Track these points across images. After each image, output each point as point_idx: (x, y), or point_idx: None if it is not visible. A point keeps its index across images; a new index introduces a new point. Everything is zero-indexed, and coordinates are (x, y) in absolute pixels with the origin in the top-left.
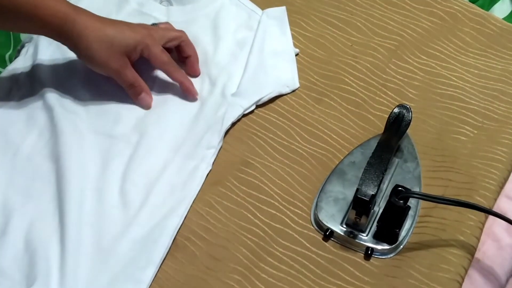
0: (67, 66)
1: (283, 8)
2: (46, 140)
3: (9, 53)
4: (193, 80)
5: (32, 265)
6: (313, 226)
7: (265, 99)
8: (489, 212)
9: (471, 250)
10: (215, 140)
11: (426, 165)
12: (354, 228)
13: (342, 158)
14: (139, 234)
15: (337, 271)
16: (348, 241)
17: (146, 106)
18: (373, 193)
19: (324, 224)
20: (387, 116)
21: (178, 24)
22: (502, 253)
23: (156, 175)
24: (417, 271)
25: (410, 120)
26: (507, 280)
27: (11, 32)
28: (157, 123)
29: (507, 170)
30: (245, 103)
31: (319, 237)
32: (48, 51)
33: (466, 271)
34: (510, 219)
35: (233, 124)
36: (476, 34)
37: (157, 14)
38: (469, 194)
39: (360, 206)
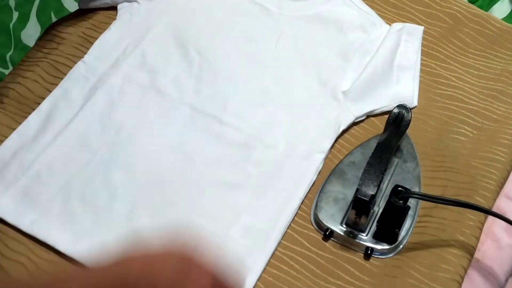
0: (178, 45)
1: (422, 28)
2: (150, 120)
3: (9, 53)
4: (298, 78)
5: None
6: (313, 226)
7: (378, 111)
8: (488, 212)
9: (470, 250)
10: (326, 145)
11: (425, 165)
12: (354, 228)
13: (342, 158)
14: (250, 223)
15: (337, 271)
16: (348, 241)
17: None
18: (373, 193)
19: (324, 224)
20: (387, 116)
21: (289, 18)
22: (501, 253)
23: (268, 167)
24: (416, 271)
25: (410, 120)
26: (507, 280)
27: (11, 32)
28: (267, 113)
29: (506, 170)
30: (357, 112)
31: (319, 237)
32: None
33: (466, 271)
34: (509, 219)
35: None
36: (475, 35)
37: (270, 5)
38: (469, 194)
39: (360, 206)
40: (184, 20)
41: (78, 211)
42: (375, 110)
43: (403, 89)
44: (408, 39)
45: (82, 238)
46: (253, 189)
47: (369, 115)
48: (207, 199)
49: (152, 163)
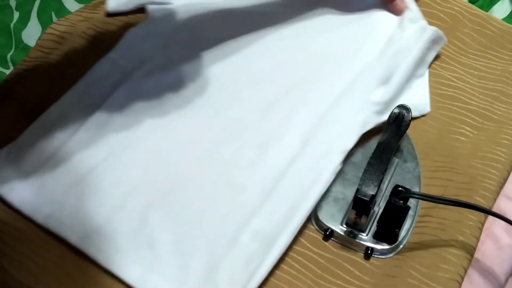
0: (202, 46)
1: (445, 39)
2: (169, 119)
3: (10, 53)
4: (326, 72)
5: (147, 247)
6: (313, 226)
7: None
8: (488, 212)
9: (470, 250)
10: (349, 145)
11: (425, 165)
12: (354, 228)
13: None
14: (259, 226)
15: (337, 270)
16: (348, 241)
17: (399, 12)
18: (373, 193)
19: (324, 224)
20: (387, 117)
21: (322, 13)
22: (501, 253)
23: (284, 169)
24: (417, 270)
25: (410, 121)
26: (506, 280)
27: (12, 32)
28: (288, 114)
29: (506, 170)
30: (382, 117)
31: (319, 236)
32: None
33: (466, 271)
34: (509, 219)
35: None
36: (476, 35)
37: (301, 2)
38: (469, 194)
39: (360, 206)
40: (210, 22)
41: (92, 207)
42: None
43: (419, 96)
44: (432, 47)
45: (94, 234)
46: (266, 191)
47: None
48: (220, 201)
49: (168, 162)
